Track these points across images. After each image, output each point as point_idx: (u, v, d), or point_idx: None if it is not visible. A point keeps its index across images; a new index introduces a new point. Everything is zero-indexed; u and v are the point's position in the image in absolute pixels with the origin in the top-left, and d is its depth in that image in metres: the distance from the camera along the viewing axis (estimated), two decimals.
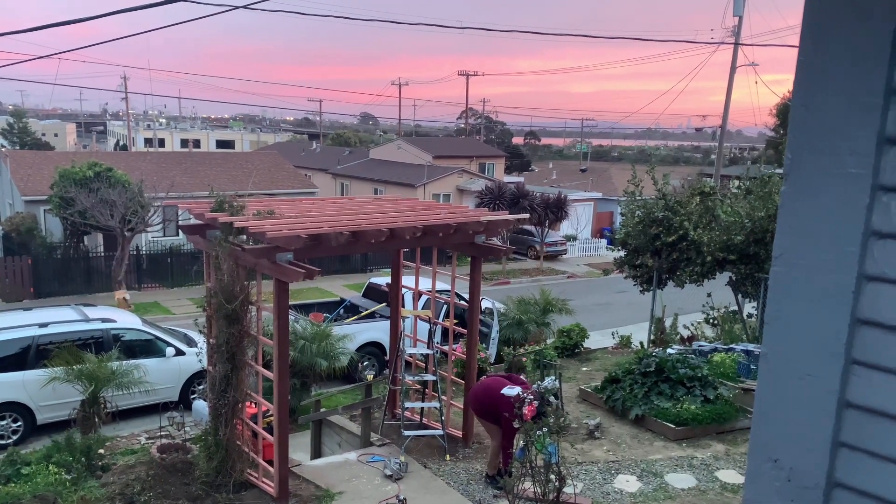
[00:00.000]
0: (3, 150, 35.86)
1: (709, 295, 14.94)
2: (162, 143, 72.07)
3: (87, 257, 22.92)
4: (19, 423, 11.33)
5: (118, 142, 77.21)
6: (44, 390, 10.35)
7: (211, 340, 7.60)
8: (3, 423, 11.21)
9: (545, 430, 5.87)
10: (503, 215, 8.84)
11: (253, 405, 8.06)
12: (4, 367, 11.27)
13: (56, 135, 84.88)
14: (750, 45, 33.23)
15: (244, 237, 7.33)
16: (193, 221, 8.07)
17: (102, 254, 23.08)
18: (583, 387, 10.96)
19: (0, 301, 20.54)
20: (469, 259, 8.83)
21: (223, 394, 7.41)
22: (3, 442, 11.09)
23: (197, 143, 74.30)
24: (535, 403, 5.93)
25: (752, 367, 10.92)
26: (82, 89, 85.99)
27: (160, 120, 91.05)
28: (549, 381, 6.63)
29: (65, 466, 7.79)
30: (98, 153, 39.06)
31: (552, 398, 6.27)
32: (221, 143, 76.62)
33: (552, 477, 5.76)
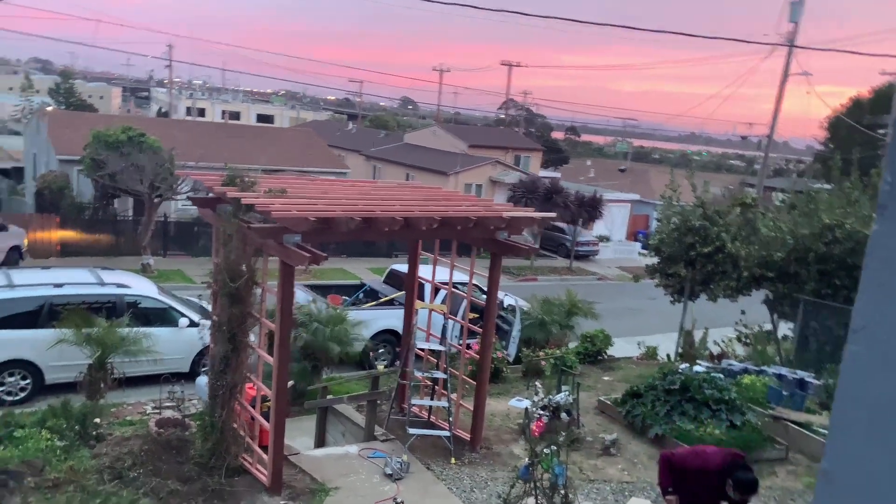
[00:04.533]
0: (42, 107, 36.22)
1: (742, 312, 14.28)
2: (203, 112, 72.52)
3: (115, 220, 22.96)
4: (28, 381, 11.22)
5: (160, 109, 77.98)
6: (53, 351, 10.17)
7: (214, 318, 7.27)
8: (12, 379, 11.11)
9: (553, 448, 5.41)
10: (527, 212, 8.36)
11: (253, 387, 7.74)
12: (17, 325, 11.16)
13: (101, 97, 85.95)
14: (805, 48, 31.93)
15: (256, 215, 6.97)
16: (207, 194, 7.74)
17: (130, 218, 23.08)
18: (602, 398, 10.46)
19: (29, 257, 20.63)
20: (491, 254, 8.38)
21: (222, 374, 7.10)
22: (10, 398, 11.00)
23: (237, 116, 74.61)
24: (545, 419, 5.49)
25: (784, 393, 10.32)
26: (130, 55, 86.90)
27: (201, 90, 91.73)
28: (563, 397, 6.19)
29: (58, 433, 7.57)
30: (136, 118, 39.36)
31: (564, 415, 5.82)
32: (261, 118, 76.83)
33: (557, 500, 5.31)
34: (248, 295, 6.98)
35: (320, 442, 9.31)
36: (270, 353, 7.29)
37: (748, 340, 14.69)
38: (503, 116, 78.08)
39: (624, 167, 54.56)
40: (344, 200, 7.30)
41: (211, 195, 7.49)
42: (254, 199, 6.68)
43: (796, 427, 9.48)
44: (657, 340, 16.35)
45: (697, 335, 14.73)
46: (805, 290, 12.34)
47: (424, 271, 9.91)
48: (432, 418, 9.03)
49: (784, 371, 11.54)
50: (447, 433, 8.36)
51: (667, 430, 9.08)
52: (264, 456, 7.09)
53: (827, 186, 16.68)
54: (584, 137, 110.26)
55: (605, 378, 12.40)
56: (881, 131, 37.64)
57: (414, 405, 8.84)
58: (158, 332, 11.40)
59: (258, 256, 7.08)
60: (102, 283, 12.20)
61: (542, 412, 5.66)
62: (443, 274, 9.23)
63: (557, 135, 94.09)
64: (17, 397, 11.04)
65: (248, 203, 6.68)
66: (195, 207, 9.48)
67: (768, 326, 14.62)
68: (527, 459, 5.60)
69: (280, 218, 6.36)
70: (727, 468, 5.32)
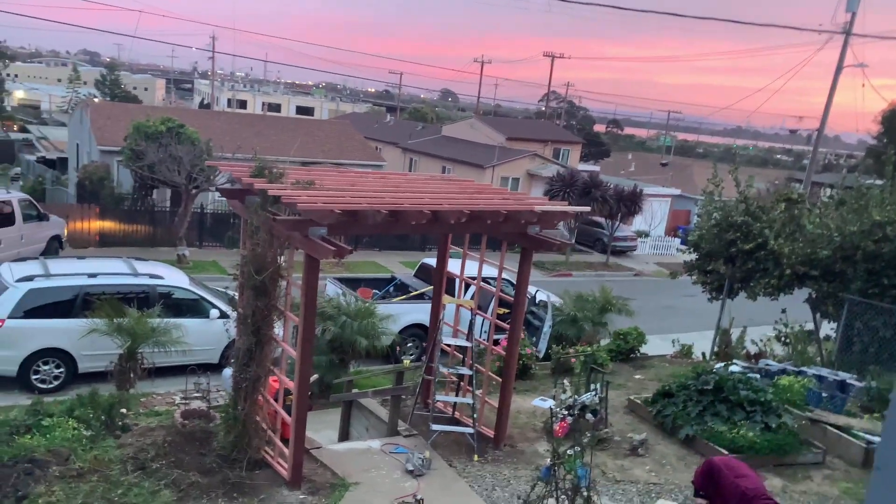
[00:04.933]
0: (86, 99, 37.00)
1: (783, 311, 13.82)
2: (244, 104, 73.53)
3: (153, 211, 23.31)
4: (61, 370, 11.43)
5: (203, 100, 79.25)
6: (86, 340, 10.32)
7: (239, 311, 7.25)
8: (46, 367, 11.33)
9: (577, 449, 5.24)
10: (560, 206, 8.14)
11: (277, 380, 7.71)
12: (51, 314, 11.36)
13: (146, 89, 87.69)
14: (863, 35, 30.74)
15: (284, 207, 6.92)
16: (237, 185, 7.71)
17: (168, 209, 23.42)
18: (632, 397, 10.21)
19: (69, 246, 21.09)
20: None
21: (245, 367, 7.08)
22: (44, 386, 11.22)
23: (277, 108, 75.47)
24: (569, 420, 5.31)
25: (824, 395, 9.94)
26: (175, 46, 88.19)
27: (243, 82, 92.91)
28: (589, 396, 5.99)
29: (85, 422, 7.65)
30: (178, 109, 39.96)
31: (590, 415, 5.64)
32: (301, 110, 77.60)
33: (579, 502, 5.14)
34: (273, 288, 6.94)
35: (344, 435, 9.28)
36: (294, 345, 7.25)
37: (788, 340, 14.21)
38: (544, 109, 77.31)
39: (666, 161, 53.57)
40: (371, 193, 7.19)
41: (239, 186, 7.46)
42: (280, 191, 6.62)
43: (835, 430, 9.12)
44: (693, 339, 15.95)
45: (735, 334, 14.32)
46: (851, 289, 11.87)
47: (454, 266, 9.77)
48: (456, 415, 8.91)
49: (825, 372, 11.13)
50: (471, 430, 8.23)
51: (698, 431, 8.82)
52: (285, 450, 7.06)
53: (878, 182, 16.03)
54: (627, 130, 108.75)
55: (637, 376, 12.11)
56: None
57: (438, 401, 8.72)
58: (189, 323, 11.53)
59: (284, 249, 7.04)
60: (136, 274, 12.36)
61: (566, 412, 5.48)
62: (473, 269, 9.08)
63: (599, 128, 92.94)
64: (51, 385, 11.26)
65: (275, 194, 6.62)
66: None
67: (809, 326, 14.13)
68: (549, 460, 5.42)
69: (305, 210, 6.28)
70: None
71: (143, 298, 11.72)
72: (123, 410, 8.17)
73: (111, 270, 12.36)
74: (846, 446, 8.88)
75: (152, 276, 12.44)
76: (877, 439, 8.81)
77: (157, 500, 6.39)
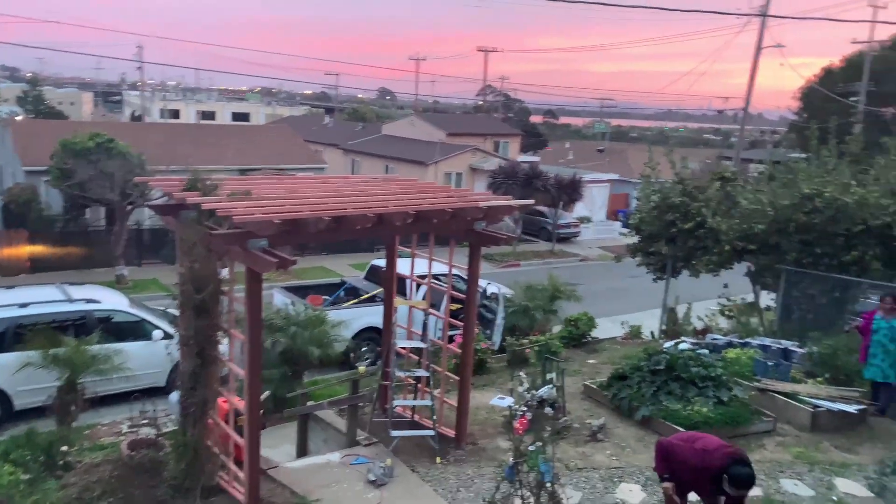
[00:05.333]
0: (5, 117, 35.40)
1: (725, 285, 14.21)
2: (177, 114, 71.51)
3: (87, 231, 22.49)
4: None
5: (133, 112, 76.77)
6: (21, 375, 9.82)
7: (181, 331, 7.00)
8: None
9: (538, 444, 5.23)
10: (505, 201, 8.13)
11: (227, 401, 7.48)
12: None
13: (72, 104, 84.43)
14: (777, 16, 31.82)
15: (221, 220, 6.69)
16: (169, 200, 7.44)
17: (103, 228, 22.61)
18: (588, 382, 10.31)
19: None
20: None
21: (192, 391, 6.83)
22: None
23: (212, 116, 73.69)
24: (528, 416, 5.31)
25: (769, 364, 10.23)
26: (100, 58, 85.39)
27: (174, 91, 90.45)
28: (546, 390, 6.00)
29: (23, 465, 7.24)
30: (108, 123, 38.61)
31: (549, 409, 5.65)
32: (237, 116, 75.97)
33: (544, 499, 5.13)
34: (214, 306, 6.71)
35: (302, 450, 9.07)
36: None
37: (731, 313, 14.63)
38: (481, 103, 77.66)
39: (602, 148, 54.50)
40: (313, 199, 7.03)
41: (172, 201, 7.19)
42: (215, 204, 6.40)
43: (783, 397, 9.40)
44: (641, 318, 16.27)
45: (681, 311, 14.65)
46: (786, 260, 12.26)
47: (403, 266, 9.67)
48: (416, 417, 8.82)
49: (768, 342, 11.47)
50: (431, 432, 8.16)
51: (654, 411, 8.95)
52: (240, 473, 6.85)
53: (802, 156, 16.60)
54: (563, 120, 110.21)
55: (590, 361, 12.26)
56: (853, 99, 37.77)
57: (396, 406, 8.62)
58: (132, 347, 11.13)
59: (224, 264, 6.82)
60: (71, 300, 11.86)
61: (525, 409, 5.48)
62: (422, 267, 9.01)
63: (536, 119, 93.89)
64: None
65: (209, 208, 6.40)
66: None
67: (751, 298, 14.56)
68: (511, 459, 5.41)
69: (243, 222, 6.09)
70: (725, 466, 5.23)
71: (81, 325, 11.26)
72: (64, 448, 7.78)
73: (43, 299, 11.82)
74: (794, 412, 9.16)
75: (88, 301, 11.96)
76: (823, 403, 9.13)
77: None
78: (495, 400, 6.37)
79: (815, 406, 9.08)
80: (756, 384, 9.69)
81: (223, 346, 7.16)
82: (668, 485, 5.36)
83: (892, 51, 42.31)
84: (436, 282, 9.09)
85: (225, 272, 6.86)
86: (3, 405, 10.84)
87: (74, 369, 9.21)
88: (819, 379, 9.98)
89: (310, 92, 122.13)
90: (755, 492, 6.37)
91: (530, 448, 5.27)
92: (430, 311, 8.74)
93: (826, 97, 39.44)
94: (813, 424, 8.97)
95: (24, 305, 11.28)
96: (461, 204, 7.55)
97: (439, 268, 9.00)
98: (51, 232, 22.12)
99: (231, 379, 7.22)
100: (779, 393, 9.45)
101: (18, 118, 42.49)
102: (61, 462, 7.48)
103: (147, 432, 8.83)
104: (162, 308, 13.32)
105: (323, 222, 6.33)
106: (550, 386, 7.17)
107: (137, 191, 19.67)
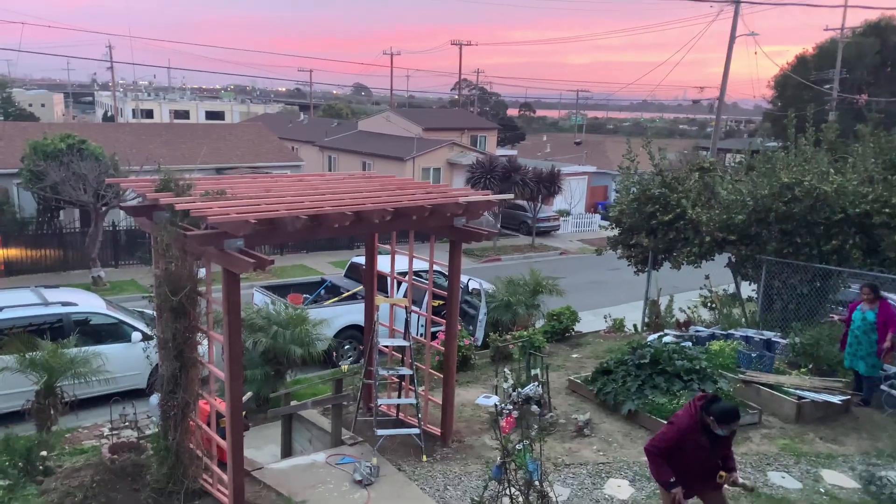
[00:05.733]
0: None
1: (707, 277, 14.26)
2: (151, 114, 70.55)
3: (61, 233, 22.02)
4: None
5: (106, 113, 75.63)
6: None
7: (159, 334, 6.83)
8: None
9: (525, 443, 5.16)
10: (484, 196, 8.05)
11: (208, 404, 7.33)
12: None
13: (43, 105, 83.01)
14: (750, 1, 32.04)
15: (197, 220, 6.53)
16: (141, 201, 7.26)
17: (78, 229, 22.19)
18: (573, 377, 10.27)
19: None
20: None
21: (172, 394, 6.68)
22: None
23: (186, 115, 72.86)
24: (515, 415, 5.23)
25: (753, 356, 10.26)
26: (69, 58, 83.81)
27: (147, 90, 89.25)
28: (532, 388, 5.93)
29: (1, 471, 7.07)
30: (80, 124, 37.93)
31: (535, 406, 5.58)
32: (211, 115, 75.20)
33: (533, 498, 5.06)
34: (192, 307, 6.56)
35: (287, 451, 8.96)
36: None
37: (713, 305, 14.68)
38: (457, 97, 77.52)
39: (579, 140, 54.62)
40: (289, 198, 6.90)
41: (145, 202, 7.02)
42: (189, 204, 6.24)
43: (767, 389, 9.42)
44: (623, 311, 16.30)
45: (663, 303, 14.67)
46: (767, 250, 12.31)
47: (384, 263, 9.56)
48: (401, 416, 8.73)
49: (751, 333, 11.51)
50: (417, 430, 8.07)
51: (640, 405, 8.93)
52: (224, 476, 6.71)
53: (779, 145, 16.70)
54: (539, 112, 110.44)
55: (574, 355, 12.24)
56: (827, 87, 38.21)
57: (381, 404, 8.51)
58: (110, 350, 10.93)
59: (200, 265, 6.67)
60: (46, 303, 11.61)
61: (510, 408, 5.41)
62: (403, 265, 8.89)
63: (512, 112, 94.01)
64: None
65: (183, 208, 6.24)
66: None
67: (732, 289, 14.63)
68: (499, 458, 5.33)
69: (218, 222, 5.94)
70: (700, 413, 5.25)
71: (58, 328, 11.03)
72: (44, 453, 7.60)
73: (18, 302, 11.55)
74: (779, 403, 9.18)
75: (65, 304, 11.71)
76: (806, 394, 9.17)
77: None
78: (481, 399, 6.28)
79: (800, 397, 9.11)
80: (740, 376, 9.71)
81: (203, 348, 7.02)
82: (677, 490, 5.23)
83: (863, 37, 42.91)
84: (417, 279, 9.00)
85: (202, 273, 6.71)
86: None
87: (52, 373, 9.01)
88: (802, 369, 10.03)
89: (284, 89, 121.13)
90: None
91: (517, 447, 5.20)
92: (412, 308, 8.64)
93: (800, 85, 39.87)
94: (798, 416, 9.00)
95: None
96: (440, 200, 7.45)
97: (420, 265, 8.90)
98: (24, 235, 21.66)
99: (211, 381, 7.07)
100: (763, 385, 9.48)
101: None
102: (41, 467, 7.32)
103: (129, 435, 8.67)
104: (139, 310, 13.09)
105: (300, 221, 6.20)
106: (536, 383, 7.10)
107: (111, 192, 19.31)
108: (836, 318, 10.42)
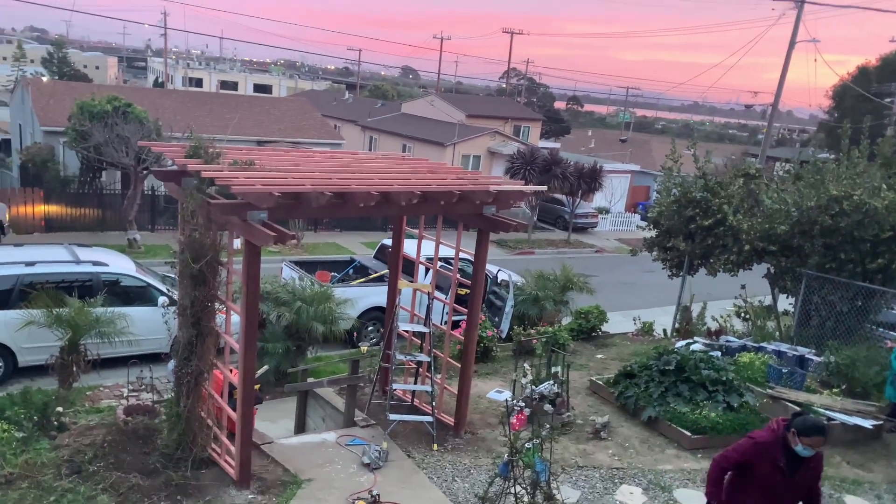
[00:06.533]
0: (28, 77, 35.43)
1: (743, 286, 13.83)
2: (200, 83, 71.50)
3: (101, 194, 22.40)
4: (0, 364, 10.83)
5: (157, 79, 76.84)
6: (25, 332, 9.76)
7: (178, 301, 6.82)
8: None
9: (535, 442, 5.00)
10: (516, 185, 7.84)
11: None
12: None
13: (97, 67, 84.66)
14: (815, 3, 30.93)
15: (226, 190, 6.47)
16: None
17: (118, 191, 22.55)
18: (594, 378, 10.05)
19: (12, 232, 20.19)
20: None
21: (186, 361, 6.67)
22: None
23: (234, 86, 73.66)
24: (526, 412, 5.06)
25: (784, 371, 9.91)
26: (126, 23, 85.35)
27: (198, 59, 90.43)
28: (547, 386, 5.74)
29: (17, 423, 7.16)
30: (129, 88, 38.55)
31: (548, 405, 5.39)
32: (259, 88, 75.90)
33: (539, 498, 4.91)
34: (212, 276, 6.52)
35: (301, 426, 8.94)
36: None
37: (747, 316, 14.26)
38: (504, 86, 76.91)
39: (625, 137, 53.71)
40: (317, 173, 6.79)
41: (175, 167, 6.98)
42: (215, 172, 6.18)
43: (795, 407, 9.07)
44: (654, 315, 15.95)
45: (695, 310, 14.31)
46: (808, 263, 11.87)
47: (410, 247, 9.44)
48: (416, 402, 8.63)
49: (784, 348, 11.14)
50: (430, 418, 7.96)
51: (661, 412, 8.69)
52: (232, 447, 6.69)
53: (831, 156, 16.09)
54: (587, 107, 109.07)
55: (599, 356, 12.00)
56: (888, 100, 36.85)
57: (396, 389, 8.42)
58: (137, 312, 11.05)
59: (223, 234, 6.62)
60: (78, 261, 11.77)
61: (522, 405, 5.24)
62: (431, 250, 8.75)
63: (559, 105, 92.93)
64: None
65: (209, 176, 6.19)
66: None
67: (768, 301, 14.18)
68: (506, 456, 5.18)
69: (242, 192, 5.87)
70: (783, 429, 4.65)
71: (87, 287, 11.17)
72: (60, 409, 7.69)
73: (51, 258, 11.73)
74: None
75: (95, 264, 11.85)
76: (837, 415, 8.81)
77: None
78: (492, 393, 6.12)
79: (829, 418, 8.76)
80: (769, 391, 9.38)
81: (221, 318, 6.99)
82: None
83: None
84: (444, 265, 8.86)
85: (230, 242, 6.68)
86: (7, 361, 10.79)
87: (77, 330, 9.14)
88: (835, 390, 9.66)
89: (332, 67, 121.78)
90: None
91: (527, 445, 5.04)
92: (435, 295, 8.51)
93: (859, 96, 38.55)
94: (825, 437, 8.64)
95: (30, 264, 11.20)
96: (469, 186, 7.28)
97: (448, 251, 8.76)
98: (66, 193, 22.09)
99: (227, 351, 7.05)
100: (792, 402, 9.13)
101: (43, 79, 42.54)
102: (56, 423, 7.39)
103: (146, 398, 8.74)
104: (167, 275, 13.22)
105: (325, 198, 6.09)
106: (552, 381, 6.90)
107: (152, 156, 19.52)
108: (890, 344, 9.93)
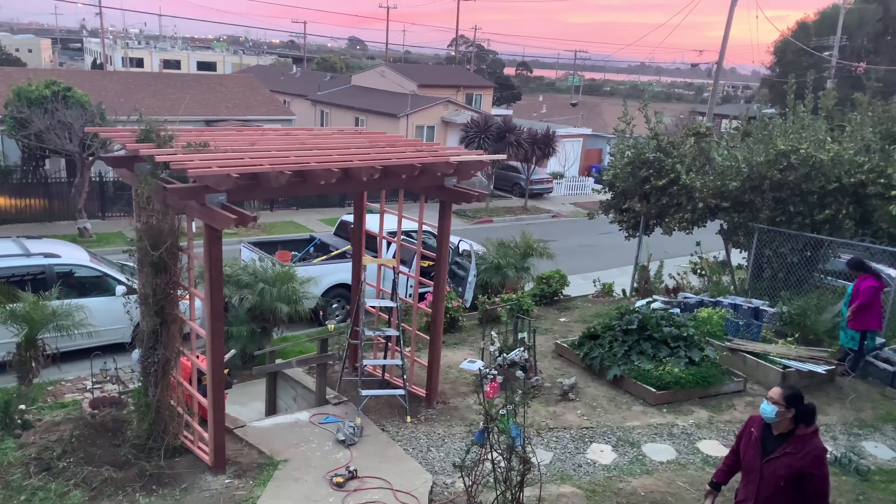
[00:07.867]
0: None
1: (697, 243, 14.19)
2: (141, 63, 69.20)
3: (46, 183, 21.66)
4: None
5: (95, 60, 74.05)
6: None
7: (139, 289, 6.70)
8: None
9: (509, 408, 5.10)
10: (476, 155, 7.85)
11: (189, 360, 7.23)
12: None
13: (30, 51, 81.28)
14: None
15: (184, 173, 6.33)
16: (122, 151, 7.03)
17: (64, 179, 21.83)
18: (559, 341, 10.24)
19: None
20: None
21: (152, 350, 6.57)
22: None
23: (177, 65, 71.55)
24: (499, 380, 5.14)
25: (740, 324, 10.24)
26: (57, 2, 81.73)
27: (137, 38, 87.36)
28: (517, 353, 5.85)
29: None
30: (67, 71, 37.07)
31: (519, 371, 5.50)
32: (203, 65, 73.90)
33: (515, 462, 5.03)
34: (173, 263, 6.41)
35: (272, 408, 8.92)
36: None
37: (703, 272, 14.65)
38: (453, 54, 76.30)
39: (575, 101, 54.01)
40: (274, 152, 6.69)
41: (125, 153, 6.80)
42: (170, 156, 6.04)
43: (753, 357, 9.42)
44: (613, 276, 16.26)
45: (653, 269, 14.62)
46: (760, 218, 12.21)
47: (372, 223, 9.41)
48: (386, 376, 8.68)
49: (739, 301, 11.50)
50: (402, 391, 8.02)
51: (625, 370, 8.93)
52: (205, 433, 6.65)
53: (776, 111, 16.45)
54: (536, 72, 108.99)
55: (562, 319, 12.21)
56: (827, 53, 37.74)
57: (366, 365, 8.45)
58: (94, 303, 10.81)
59: (181, 219, 6.49)
60: (28, 254, 11.42)
61: (495, 373, 5.33)
62: (393, 224, 8.73)
63: (509, 71, 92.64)
64: None
65: (163, 160, 6.05)
66: None
67: (722, 256, 14.58)
68: (481, 424, 5.28)
69: (198, 175, 5.76)
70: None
71: (40, 280, 10.86)
72: (22, 406, 7.52)
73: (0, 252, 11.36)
74: (765, 372, 9.20)
75: (47, 256, 11.52)
76: (792, 363, 9.17)
77: (67, 502, 5.90)
78: (465, 364, 6.19)
79: (785, 366, 9.12)
80: (727, 344, 9.70)
81: (184, 304, 6.89)
82: (711, 494, 4.92)
83: (866, 4, 42.29)
84: (407, 239, 8.86)
85: (189, 227, 6.55)
86: None
87: (33, 325, 8.88)
88: (789, 339, 10.03)
89: (277, 41, 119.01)
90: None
91: (501, 412, 5.14)
92: (400, 269, 8.52)
93: (800, 51, 39.39)
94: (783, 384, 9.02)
95: None
96: (431, 159, 7.26)
97: (410, 225, 8.75)
98: (8, 184, 21.28)
99: (193, 337, 6.96)
100: (749, 353, 9.47)
101: None
102: (20, 420, 7.23)
103: (111, 389, 8.60)
104: (123, 263, 12.93)
105: (284, 177, 6.02)
106: (522, 347, 7.01)
107: (98, 142, 18.92)
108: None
